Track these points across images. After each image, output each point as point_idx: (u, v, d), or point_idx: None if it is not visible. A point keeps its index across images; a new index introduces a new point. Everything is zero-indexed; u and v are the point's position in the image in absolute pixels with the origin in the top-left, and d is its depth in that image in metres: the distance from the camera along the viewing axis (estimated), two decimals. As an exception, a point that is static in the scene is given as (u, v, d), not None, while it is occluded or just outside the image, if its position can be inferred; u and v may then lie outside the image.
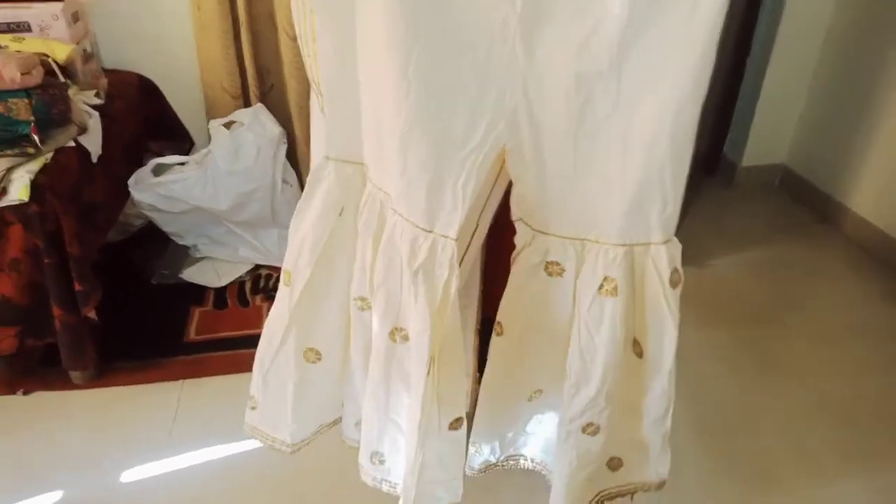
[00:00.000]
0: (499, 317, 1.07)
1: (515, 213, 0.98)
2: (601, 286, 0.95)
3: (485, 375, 1.12)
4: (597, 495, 1.17)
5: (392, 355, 1.03)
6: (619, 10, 0.75)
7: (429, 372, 0.97)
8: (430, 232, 0.93)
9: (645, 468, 1.14)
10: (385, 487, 1.20)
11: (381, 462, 1.17)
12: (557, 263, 0.98)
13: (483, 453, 1.22)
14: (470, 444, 1.19)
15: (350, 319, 1.13)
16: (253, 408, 1.27)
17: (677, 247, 0.96)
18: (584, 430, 1.06)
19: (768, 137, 2.56)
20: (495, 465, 1.25)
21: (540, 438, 1.23)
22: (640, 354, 1.03)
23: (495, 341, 1.09)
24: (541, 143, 0.88)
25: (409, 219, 0.93)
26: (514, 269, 1.02)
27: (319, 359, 1.19)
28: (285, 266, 1.13)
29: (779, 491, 1.43)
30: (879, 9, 2.13)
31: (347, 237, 1.07)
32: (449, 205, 0.91)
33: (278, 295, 1.16)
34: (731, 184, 2.64)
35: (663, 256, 0.95)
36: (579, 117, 0.84)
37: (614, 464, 1.14)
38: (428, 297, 0.94)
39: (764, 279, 2.12)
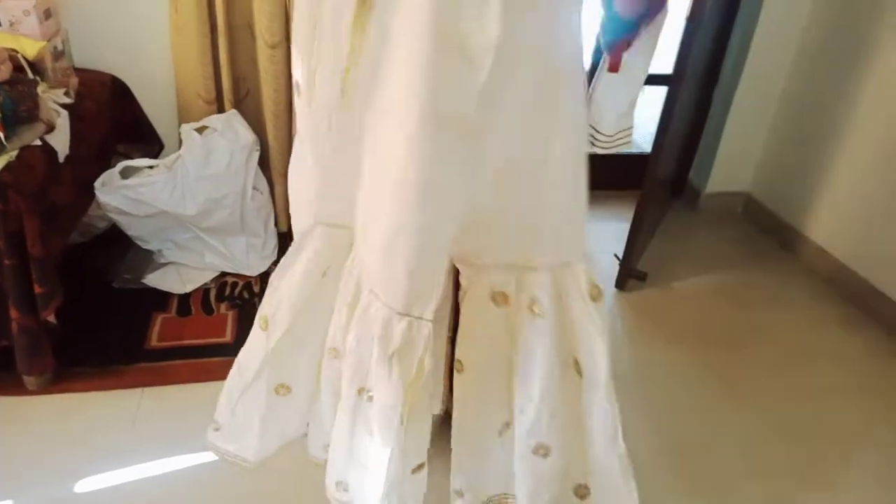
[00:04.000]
0: (457, 354, 1.11)
1: (455, 253, 1.02)
2: (531, 308, 1.03)
3: (454, 415, 1.15)
4: None
5: (358, 409, 1.06)
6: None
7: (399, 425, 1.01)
8: (406, 315, 0.95)
9: (613, 499, 1.16)
10: None
11: (346, 490, 1.19)
12: (503, 293, 1.04)
13: (466, 500, 1.21)
14: (452, 492, 1.20)
15: (321, 362, 1.17)
16: (216, 429, 1.28)
17: (592, 262, 1.06)
18: (535, 452, 1.11)
19: (733, 166, 2.63)
20: None
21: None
22: (580, 373, 1.08)
23: (458, 379, 1.12)
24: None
25: (386, 302, 0.96)
26: (463, 307, 1.07)
27: (289, 392, 1.24)
28: (263, 311, 1.16)
29: (737, 512, 1.46)
30: (840, 51, 2.23)
31: (328, 295, 1.11)
32: (427, 291, 0.95)
33: (253, 335, 1.19)
34: (696, 209, 2.71)
35: (581, 274, 1.03)
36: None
37: (581, 492, 1.17)
38: (403, 377, 0.97)
39: (725, 303, 2.17)
